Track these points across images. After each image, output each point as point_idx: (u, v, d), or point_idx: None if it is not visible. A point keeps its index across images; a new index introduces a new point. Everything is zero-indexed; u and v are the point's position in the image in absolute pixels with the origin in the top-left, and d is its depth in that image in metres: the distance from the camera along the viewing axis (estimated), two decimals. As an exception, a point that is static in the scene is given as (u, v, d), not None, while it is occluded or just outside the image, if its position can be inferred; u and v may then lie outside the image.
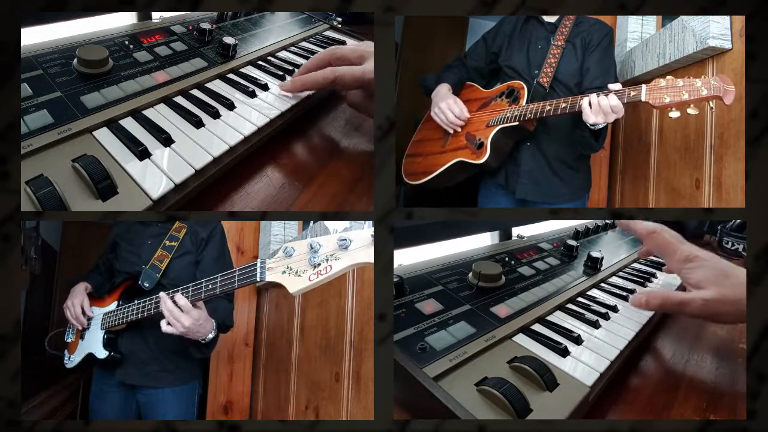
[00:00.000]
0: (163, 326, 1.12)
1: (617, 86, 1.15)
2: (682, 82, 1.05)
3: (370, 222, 0.94)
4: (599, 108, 1.14)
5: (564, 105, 1.22)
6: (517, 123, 1.32)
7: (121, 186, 0.81)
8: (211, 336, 1.23)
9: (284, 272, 0.90)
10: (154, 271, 1.36)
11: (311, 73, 1.05)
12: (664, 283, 1.25)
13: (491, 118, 1.38)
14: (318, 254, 0.87)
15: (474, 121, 1.43)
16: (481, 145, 1.35)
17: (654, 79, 1.09)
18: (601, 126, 1.21)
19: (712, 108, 1.06)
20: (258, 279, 0.94)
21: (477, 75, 1.57)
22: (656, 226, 0.92)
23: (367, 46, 1.01)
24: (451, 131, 1.45)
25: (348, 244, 0.85)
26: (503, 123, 1.34)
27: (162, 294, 1.13)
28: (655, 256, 1.37)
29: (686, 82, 1.05)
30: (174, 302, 1.11)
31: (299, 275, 0.89)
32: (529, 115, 1.29)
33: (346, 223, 0.94)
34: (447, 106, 1.43)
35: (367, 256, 0.85)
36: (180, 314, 1.10)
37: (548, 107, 1.25)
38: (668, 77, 1.08)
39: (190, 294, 1.10)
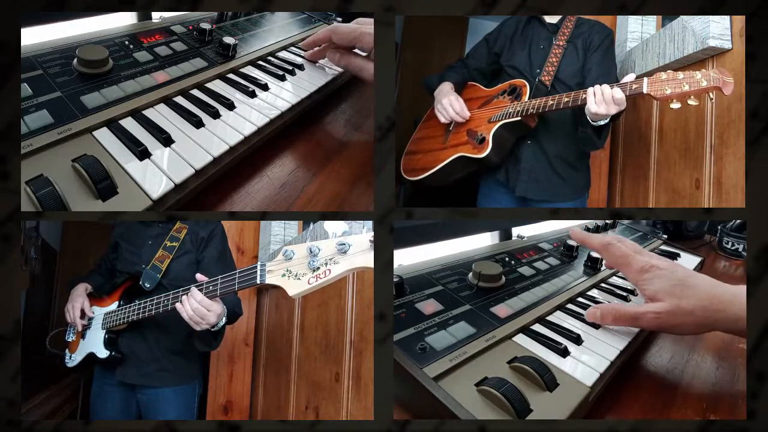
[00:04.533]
0: (188, 321, 1.09)
1: (630, 76, 1.16)
2: (682, 74, 1.09)
3: (370, 227, 0.94)
4: (602, 98, 1.15)
5: (567, 99, 1.23)
6: (519, 118, 1.33)
7: (121, 186, 0.81)
8: (222, 323, 1.19)
9: (284, 275, 0.91)
10: (155, 271, 1.37)
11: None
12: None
13: (493, 114, 1.39)
14: (317, 258, 0.87)
15: (475, 118, 1.43)
16: (482, 140, 1.36)
17: (655, 73, 1.12)
18: (603, 121, 1.21)
19: (711, 99, 1.09)
20: (258, 281, 0.94)
21: (479, 75, 1.58)
22: (611, 238, 0.90)
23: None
24: (453, 123, 1.46)
25: (347, 249, 0.85)
26: (505, 119, 1.35)
27: (183, 297, 1.10)
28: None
29: (686, 74, 1.08)
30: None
31: (299, 278, 0.89)
32: (532, 110, 1.30)
33: (344, 224, 0.94)
34: (448, 102, 1.44)
35: (366, 260, 0.85)
36: (206, 312, 1.08)
37: (551, 102, 1.26)
38: (668, 71, 1.11)
39: None
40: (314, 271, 0.88)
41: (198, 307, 1.07)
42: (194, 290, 1.07)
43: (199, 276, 1.09)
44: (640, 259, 0.83)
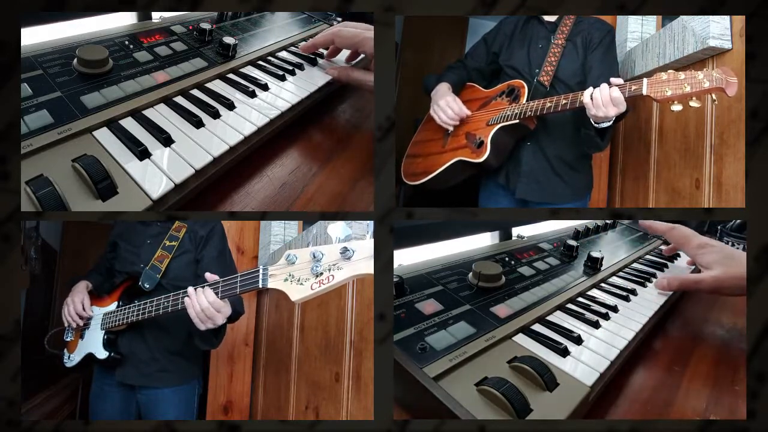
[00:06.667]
0: (194, 319, 1.08)
1: (619, 80, 1.15)
2: (683, 74, 1.04)
3: (371, 232, 0.94)
4: (600, 99, 1.13)
5: (564, 101, 1.22)
6: (517, 121, 1.32)
7: (121, 186, 0.81)
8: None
9: (286, 279, 0.90)
10: (154, 271, 1.36)
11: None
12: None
13: (491, 116, 1.38)
14: (321, 263, 0.87)
15: (474, 120, 1.43)
16: (481, 144, 1.35)
17: (655, 73, 1.08)
18: (605, 124, 1.20)
19: (714, 101, 1.04)
20: (260, 285, 0.93)
21: (478, 76, 1.57)
22: (674, 224, 1.15)
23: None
24: (450, 128, 1.45)
25: (351, 255, 0.85)
26: (503, 121, 1.34)
27: (190, 290, 1.09)
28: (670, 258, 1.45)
29: (688, 74, 1.03)
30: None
31: (301, 283, 0.89)
32: (530, 112, 1.29)
33: (347, 227, 0.93)
34: (445, 104, 1.43)
35: (369, 267, 0.85)
36: (214, 313, 1.07)
37: (548, 104, 1.25)
38: (669, 70, 1.07)
39: None
40: (317, 276, 0.87)
41: (208, 307, 1.06)
42: (208, 290, 1.06)
43: (207, 275, 1.09)
44: (698, 238, 1.08)
